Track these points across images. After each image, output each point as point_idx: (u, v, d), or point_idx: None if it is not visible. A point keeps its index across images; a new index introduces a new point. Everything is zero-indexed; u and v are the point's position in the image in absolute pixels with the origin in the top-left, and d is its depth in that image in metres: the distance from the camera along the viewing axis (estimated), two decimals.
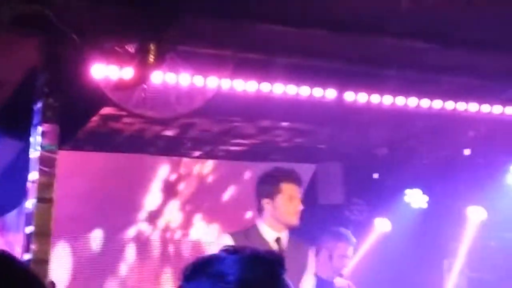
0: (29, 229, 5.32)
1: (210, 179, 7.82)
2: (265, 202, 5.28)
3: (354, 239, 6.58)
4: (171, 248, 7.98)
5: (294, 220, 5.28)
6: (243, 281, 1.89)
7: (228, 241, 5.16)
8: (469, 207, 7.80)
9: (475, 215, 7.81)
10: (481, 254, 7.89)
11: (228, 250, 1.99)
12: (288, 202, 5.23)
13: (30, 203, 5.37)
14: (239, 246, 2.04)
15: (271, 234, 5.27)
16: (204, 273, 1.92)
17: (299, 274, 5.29)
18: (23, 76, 5.53)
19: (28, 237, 5.34)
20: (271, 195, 5.26)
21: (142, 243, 7.84)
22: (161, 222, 7.92)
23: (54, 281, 5.48)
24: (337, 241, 6.45)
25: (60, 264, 7.42)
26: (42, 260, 5.28)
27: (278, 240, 5.27)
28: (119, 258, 7.76)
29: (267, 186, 5.31)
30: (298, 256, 5.32)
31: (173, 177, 7.86)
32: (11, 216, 6.99)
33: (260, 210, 5.34)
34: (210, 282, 1.89)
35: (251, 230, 5.34)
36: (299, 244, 5.40)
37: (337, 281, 6.48)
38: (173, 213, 7.92)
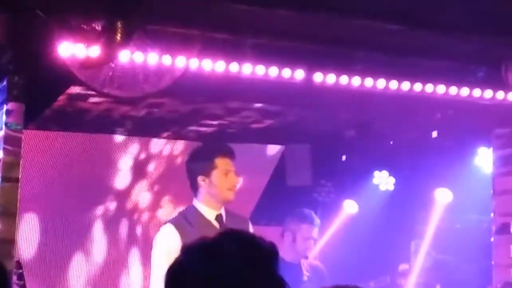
0: None
1: (179, 160, 7.78)
2: (201, 180, 5.19)
3: (318, 220, 6.60)
4: (138, 230, 7.94)
5: (231, 195, 5.23)
6: None
7: (172, 230, 5.12)
8: (437, 189, 7.85)
9: (442, 197, 7.86)
10: (447, 235, 7.95)
11: None
12: (224, 177, 5.16)
13: None
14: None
15: (211, 212, 5.21)
16: None
17: None
18: None
19: None
20: (206, 171, 5.18)
21: (109, 223, 7.79)
22: (129, 203, 7.88)
23: (20, 261, 5.43)
24: (300, 223, 6.46)
25: (27, 243, 7.36)
26: (8, 240, 5.25)
27: (219, 217, 5.22)
28: (86, 237, 7.71)
29: (200, 162, 5.21)
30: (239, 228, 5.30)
31: (142, 157, 7.82)
32: None
33: (195, 188, 5.24)
34: None
35: (190, 211, 5.25)
36: (238, 218, 5.37)
37: (303, 262, 6.49)
38: (141, 194, 7.88)
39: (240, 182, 5.29)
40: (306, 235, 6.47)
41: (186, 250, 2.02)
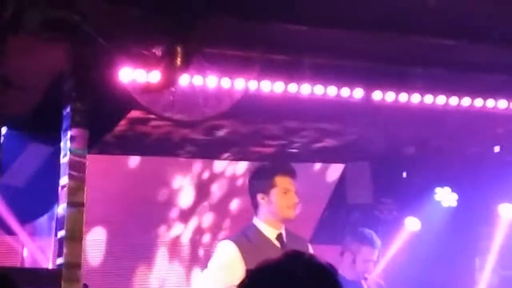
0: (61, 233, 5.36)
1: (240, 181, 7.83)
2: (260, 198, 5.20)
3: (379, 242, 6.51)
4: (200, 251, 7.98)
5: (291, 214, 5.22)
6: None
7: (232, 247, 5.11)
8: (500, 205, 7.74)
9: (506, 212, 7.75)
10: None
11: None
12: (283, 195, 5.16)
13: (61, 208, 5.41)
14: None
15: (271, 231, 5.20)
16: None
17: None
18: (51, 81, 5.56)
19: (60, 241, 5.37)
20: (265, 189, 5.18)
21: (172, 243, 7.85)
22: (191, 225, 7.94)
23: (87, 284, 5.50)
24: (360, 245, 6.38)
25: (92, 265, 7.46)
26: (74, 264, 5.32)
27: (279, 236, 5.22)
28: (149, 258, 7.78)
29: (260, 180, 5.23)
30: (299, 248, 5.28)
31: (203, 179, 7.87)
32: (42, 220, 7.03)
33: (255, 206, 5.25)
34: None
35: (250, 230, 5.25)
36: (298, 238, 5.36)
37: (364, 283, 6.44)
38: (203, 215, 7.93)
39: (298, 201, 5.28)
40: (366, 257, 6.39)
41: (254, 273, 2.04)
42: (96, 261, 7.58)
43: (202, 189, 7.84)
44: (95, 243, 7.52)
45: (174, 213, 7.85)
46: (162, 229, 7.83)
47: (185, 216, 7.87)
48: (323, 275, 2.02)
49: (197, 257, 7.97)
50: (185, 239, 7.93)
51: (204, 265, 7.74)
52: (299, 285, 1.99)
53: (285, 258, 2.05)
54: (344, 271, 6.31)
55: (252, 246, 5.10)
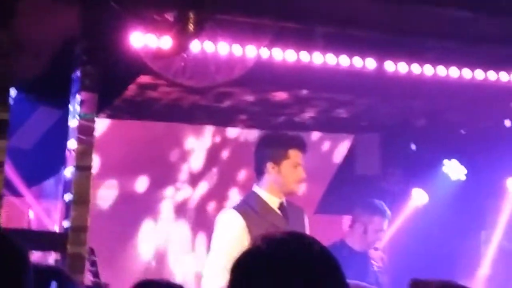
0: (68, 196, 5.36)
1: (249, 149, 7.82)
2: (270, 167, 5.14)
3: (389, 212, 6.53)
4: (206, 216, 7.99)
5: (297, 188, 5.20)
6: None
7: (238, 217, 5.09)
8: (508, 179, 7.72)
9: None
10: None
11: None
12: (293, 169, 5.12)
13: (68, 171, 5.40)
14: None
15: (273, 200, 5.18)
16: None
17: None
18: (61, 44, 5.53)
19: (67, 204, 5.37)
20: (277, 159, 5.12)
21: (179, 205, 7.87)
22: (199, 189, 7.94)
23: (93, 248, 5.51)
24: (372, 215, 6.40)
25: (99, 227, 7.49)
26: (81, 227, 5.32)
27: (281, 205, 5.20)
28: (155, 216, 7.81)
29: (273, 149, 5.14)
30: (298, 219, 5.27)
31: (212, 146, 7.86)
32: (49, 183, 7.03)
33: (261, 173, 5.19)
34: None
35: (252, 198, 5.21)
36: (295, 207, 5.34)
37: (372, 252, 6.45)
38: (211, 182, 7.93)
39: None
40: (377, 227, 6.41)
41: (263, 239, 2.01)
42: (106, 207, 7.60)
43: (213, 155, 7.83)
44: (106, 193, 7.54)
45: (181, 177, 7.86)
46: (168, 190, 7.84)
47: (191, 182, 7.87)
48: (325, 260, 2.00)
49: (202, 220, 7.98)
50: (192, 203, 7.93)
51: (208, 230, 7.82)
52: (309, 261, 1.97)
53: (289, 241, 2.02)
54: (354, 242, 6.33)
55: (256, 215, 5.09)
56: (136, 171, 7.64)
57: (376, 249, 6.45)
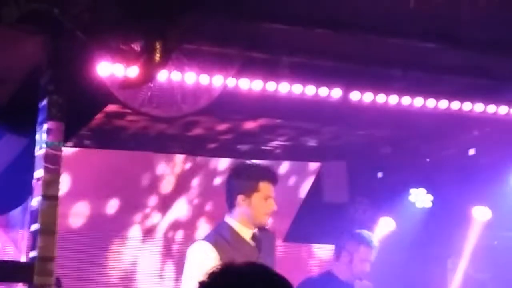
0: (35, 226, 5.32)
1: (215, 177, 7.82)
2: (241, 199, 5.15)
3: (376, 243, 6.51)
4: (174, 246, 7.98)
5: (266, 220, 5.21)
6: None
7: (211, 249, 5.08)
8: (474, 207, 7.79)
9: (479, 215, 7.80)
10: (484, 253, 7.88)
11: None
12: (263, 202, 5.12)
13: (35, 201, 5.37)
14: None
15: (246, 231, 5.17)
16: None
17: (272, 260, 5.23)
18: (27, 73, 5.52)
19: (34, 234, 5.34)
20: (248, 192, 5.13)
21: (146, 237, 7.85)
22: (166, 219, 7.92)
23: (60, 278, 5.47)
24: (359, 245, 6.39)
25: (65, 259, 7.43)
26: (48, 257, 5.28)
27: (254, 236, 5.21)
28: (122, 250, 7.77)
29: (244, 182, 5.15)
30: (268, 244, 5.29)
31: (179, 175, 7.85)
32: (16, 213, 6.98)
33: (232, 205, 5.20)
34: None
35: (225, 229, 5.20)
36: (266, 232, 5.35)
37: (357, 283, 6.45)
38: (178, 212, 7.92)
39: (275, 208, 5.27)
40: (363, 257, 6.39)
41: (212, 275, 2.02)
42: (76, 226, 7.56)
43: (179, 185, 7.82)
44: (76, 215, 7.50)
45: (146, 209, 7.84)
46: (135, 222, 7.82)
47: (157, 213, 7.86)
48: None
49: (170, 251, 7.96)
50: (158, 236, 7.92)
51: (176, 260, 7.81)
52: None
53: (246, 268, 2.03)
54: (340, 272, 6.33)
55: (229, 246, 5.07)
56: (107, 195, 7.62)
57: (360, 279, 6.45)
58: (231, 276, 1.98)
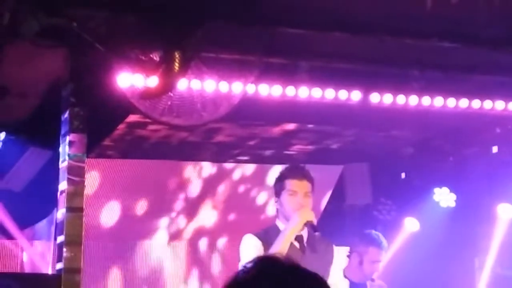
0: (60, 238, 5.37)
1: (240, 183, 7.86)
2: (275, 201, 5.26)
3: (385, 243, 6.51)
4: (199, 253, 8.01)
5: (307, 216, 5.23)
6: None
7: (255, 241, 5.15)
8: (499, 205, 7.75)
9: (504, 212, 7.76)
10: (511, 250, 7.84)
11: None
12: (290, 198, 5.16)
13: (60, 213, 5.42)
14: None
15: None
16: None
17: (322, 273, 5.24)
18: (49, 87, 5.58)
19: (60, 246, 5.38)
20: (278, 193, 5.21)
21: (172, 245, 7.89)
22: (188, 230, 7.95)
23: None
24: (368, 246, 6.38)
25: (92, 269, 7.49)
26: (74, 269, 5.33)
27: (299, 238, 5.23)
28: (147, 261, 7.81)
29: (275, 185, 5.25)
30: (321, 254, 5.29)
31: (201, 182, 7.88)
32: (42, 225, 7.04)
33: (276, 209, 5.32)
34: None
35: (272, 229, 5.28)
36: (322, 241, 5.36)
37: (369, 284, 6.44)
38: (202, 220, 7.95)
39: (311, 203, 5.28)
40: (373, 258, 6.38)
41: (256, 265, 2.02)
42: (96, 266, 7.61)
43: (203, 194, 7.85)
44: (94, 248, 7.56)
45: (171, 217, 7.88)
46: (160, 231, 7.86)
47: (181, 221, 7.90)
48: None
49: (195, 258, 8.00)
50: (182, 245, 7.96)
51: (201, 265, 7.84)
52: None
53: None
54: (351, 273, 6.32)
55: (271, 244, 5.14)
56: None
57: (373, 280, 6.44)
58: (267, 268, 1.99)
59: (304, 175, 5.26)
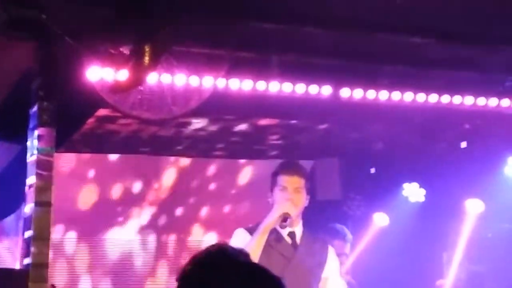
0: (28, 233, 5.32)
1: (210, 178, 7.84)
2: (269, 197, 5.29)
3: (350, 236, 6.55)
4: (169, 248, 7.98)
5: (287, 209, 5.24)
6: None
7: (245, 235, 5.15)
8: (467, 200, 7.80)
9: (473, 207, 7.81)
10: (479, 246, 7.90)
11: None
12: (280, 193, 5.20)
13: (28, 208, 5.37)
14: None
15: (285, 228, 5.24)
16: None
17: (314, 270, 5.24)
18: (18, 79, 5.52)
19: (28, 241, 5.33)
20: (272, 188, 5.26)
21: (142, 240, 7.86)
22: (160, 222, 7.92)
23: (55, 284, 5.47)
24: (332, 239, 6.41)
25: (60, 265, 7.43)
26: (42, 264, 5.28)
27: (291, 234, 5.25)
28: (116, 255, 7.78)
29: (270, 181, 5.33)
30: (314, 252, 5.29)
31: (171, 177, 7.86)
32: (9, 220, 6.98)
33: (272, 204, 5.33)
34: None
35: None
36: (316, 240, 5.37)
37: None
38: (172, 214, 7.92)
39: (302, 199, 5.28)
40: (338, 251, 6.41)
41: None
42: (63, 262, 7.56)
43: (168, 189, 7.83)
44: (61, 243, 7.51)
45: (142, 213, 7.85)
46: (129, 225, 7.83)
47: (152, 217, 7.87)
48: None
49: (164, 252, 7.97)
50: (152, 238, 7.92)
51: (171, 259, 7.81)
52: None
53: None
54: None
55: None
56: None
57: None
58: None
59: (295, 171, 5.28)
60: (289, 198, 5.18)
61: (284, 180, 5.24)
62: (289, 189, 5.21)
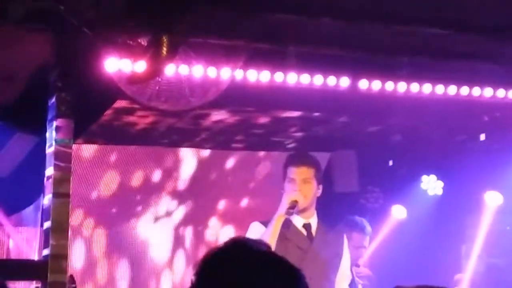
0: (47, 224, 5.34)
1: (229, 171, 7.83)
2: (282, 189, 5.32)
3: (369, 228, 6.54)
4: (186, 240, 7.99)
5: (295, 198, 5.24)
6: None
7: (260, 228, 5.18)
8: (486, 192, 7.77)
9: (491, 200, 7.77)
10: (498, 238, 7.86)
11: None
12: (289, 185, 5.26)
13: (46, 199, 5.39)
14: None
15: (297, 219, 5.26)
16: None
17: (331, 261, 5.25)
18: (35, 71, 5.53)
19: (46, 232, 5.35)
20: (283, 181, 5.30)
21: (158, 231, 7.87)
22: (176, 217, 7.93)
23: (74, 275, 5.49)
24: (351, 232, 6.40)
25: (78, 256, 7.46)
26: (61, 255, 5.31)
27: (306, 226, 5.26)
28: (135, 246, 7.79)
29: (282, 173, 5.36)
30: (330, 243, 5.29)
31: (190, 168, 7.86)
32: (28, 211, 7.00)
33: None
34: None
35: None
36: (332, 231, 5.38)
37: (356, 270, 6.45)
38: (188, 207, 7.92)
39: (312, 189, 5.28)
40: (357, 243, 6.41)
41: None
42: (81, 253, 7.59)
43: (186, 180, 7.82)
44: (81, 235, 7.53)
45: (159, 205, 7.85)
46: (146, 218, 7.84)
47: (168, 208, 7.87)
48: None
49: (181, 244, 7.98)
50: (169, 230, 7.93)
51: (188, 250, 7.82)
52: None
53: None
54: None
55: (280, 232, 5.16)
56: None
57: (357, 265, 6.45)
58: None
59: (302, 162, 5.32)
60: (297, 189, 5.20)
61: (292, 171, 5.27)
62: (297, 180, 5.23)
